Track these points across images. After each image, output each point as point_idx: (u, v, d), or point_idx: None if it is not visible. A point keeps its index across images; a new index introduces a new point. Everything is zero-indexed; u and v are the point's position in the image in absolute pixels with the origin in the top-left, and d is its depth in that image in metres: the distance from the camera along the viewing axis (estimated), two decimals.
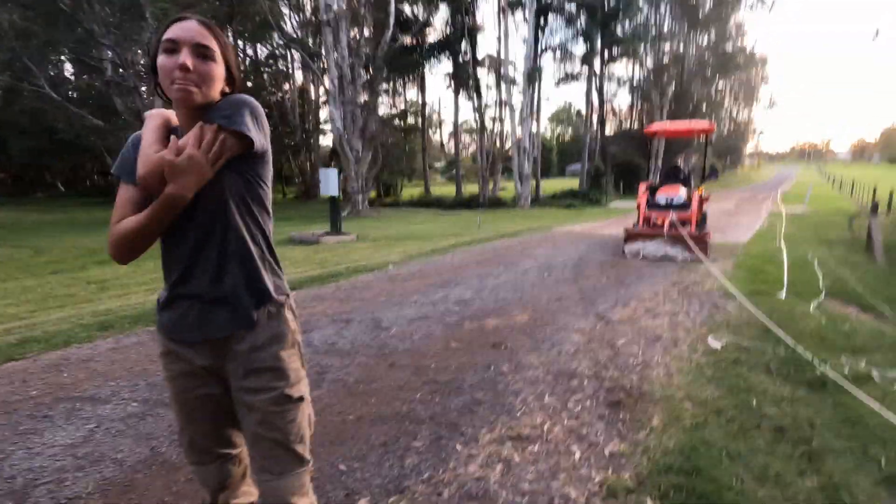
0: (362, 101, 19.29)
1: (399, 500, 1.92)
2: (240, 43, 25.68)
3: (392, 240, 10.97)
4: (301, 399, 1.25)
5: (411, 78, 29.76)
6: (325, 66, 18.63)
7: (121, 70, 17.60)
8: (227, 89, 1.20)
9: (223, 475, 1.32)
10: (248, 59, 28.41)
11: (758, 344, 3.72)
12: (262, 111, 1.17)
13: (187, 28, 1.10)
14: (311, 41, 25.62)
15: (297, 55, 25.65)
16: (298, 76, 30.17)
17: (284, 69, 28.39)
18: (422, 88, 30.02)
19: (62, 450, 2.28)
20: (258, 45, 27.57)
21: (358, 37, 18.61)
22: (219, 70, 1.14)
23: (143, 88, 18.69)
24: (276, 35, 23.38)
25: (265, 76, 28.75)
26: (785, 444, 2.39)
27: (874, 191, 17.03)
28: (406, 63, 25.53)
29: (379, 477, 2.06)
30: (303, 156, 30.03)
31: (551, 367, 3.23)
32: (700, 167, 13.07)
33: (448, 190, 32.44)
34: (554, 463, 2.17)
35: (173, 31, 1.10)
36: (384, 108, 29.75)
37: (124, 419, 2.55)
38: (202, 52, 1.11)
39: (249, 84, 28.48)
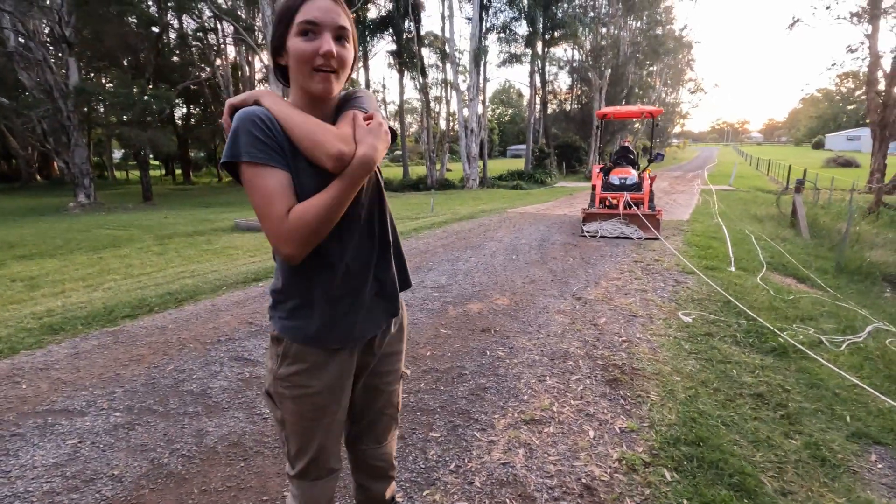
0: None
1: (433, 492, 1.92)
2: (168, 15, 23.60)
3: None
4: (406, 374, 1.43)
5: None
6: (265, 41, 17.56)
7: (24, 40, 15.73)
8: (351, 72, 1.10)
9: (332, 490, 1.27)
10: (173, 31, 26.26)
11: (722, 317, 4.01)
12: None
13: (326, 8, 0.99)
14: (243, 13, 24.05)
15: (229, 28, 23.97)
16: (231, 51, 28.32)
17: (215, 43, 26.50)
18: (365, 67, 29.14)
19: (46, 470, 2.07)
20: (184, 17, 25.48)
21: None
22: (352, 54, 1.06)
23: (53, 61, 16.85)
24: (204, 6, 21.69)
25: (193, 50, 26.74)
26: (766, 410, 2.62)
27: (789, 169, 18.62)
28: None
29: (406, 471, 2.04)
30: None
31: (544, 350, 3.32)
32: (648, 148, 13.66)
33: (393, 172, 32.01)
34: (572, 443, 2.25)
35: (311, 12, 0.98)
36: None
37: (110, 431, 2.35)
38: (341, 35, 1.01)
39: (175, 59, 26.42)
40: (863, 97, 21.60)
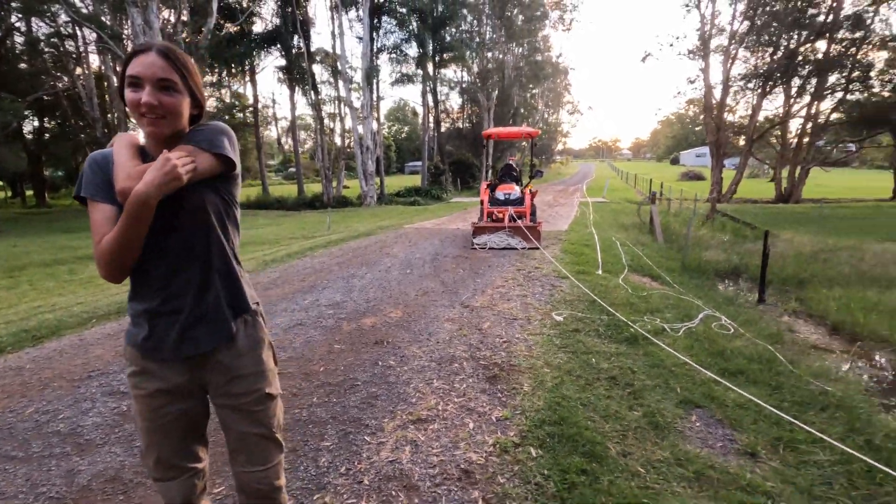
0: None
1: (323, 495, 2.03)
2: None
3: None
4: (278, 395, 1.39)
5: (240, 70, 27.53)
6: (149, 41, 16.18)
7: None
8: (193, 112, 1.23)
9: (189, 490, 1.33)
10: (20, 35, 23.12)
11: (588, 314, 4.57)
12: (235, 137, 1.26)
13: (149, 64, 1.12)
14: (107, 19, 21.93)
15: (91, 35, 21.70)
16: (95, 60, 25.60)
17: (74, 50, 23.79)
18: (252, 82, 27.99)
19: None
20: (34, 21, 22.57)
21: (174, 20, 16.57)
22: (184, 101, 1.18)
23: None
24: (60, 10, 19.46)
25: (46, 58, 23.73)
26: (617, 389, 3.09)
27: (650, 183, 21.22)
28: (233, 54, 23.55)
29: (297, 480, 2.13)
30: None
31: (433, 355, 3.56)
32: (528, 166, 14.77)
33: (288, 190, 30.92)
34: (453, 435, 2.49)
35: (135, 67, 1.11)
36: (212, 101, 27.03)
37: None
38: (166, 86, 1.13)
39: (23, 65, 23.27)
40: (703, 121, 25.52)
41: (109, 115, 26.68)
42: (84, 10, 20.90)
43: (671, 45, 29.86)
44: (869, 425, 2.76)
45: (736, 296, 6.46)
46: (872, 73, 20.15)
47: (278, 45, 24.94)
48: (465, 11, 27.63)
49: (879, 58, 20.33)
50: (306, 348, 3.71)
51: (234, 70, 27.29)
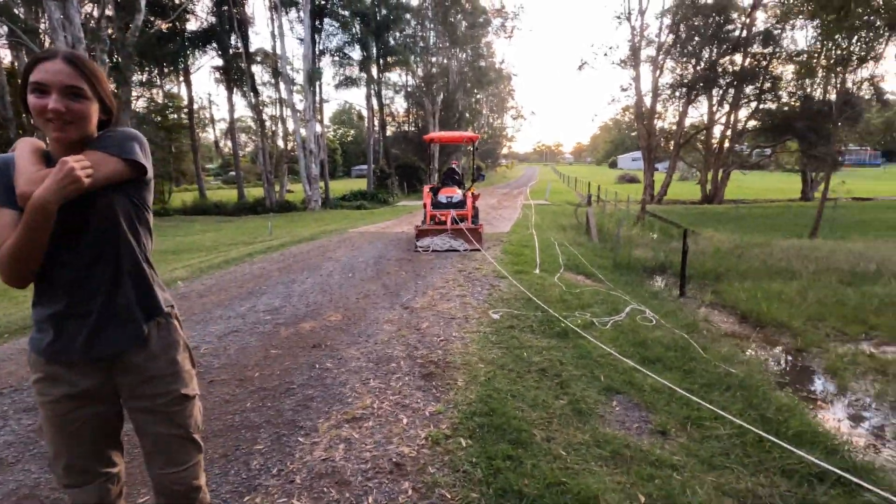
0: None
1: (254, 497, 2.05)
2: None
3: (171, 253, 9.80)
4: (196, 395, 1.40)
5: (173, 69, 26.23)
6: (53, 45, 15.05)
7: None
8: (103, 117, 1.24)
9: (103, 494, 1.32)
10: None
11: (524, 311, 4.78)
12: (146, 142, 1.28)
13: (55, 71, 1.12)
14: (21, 12, 20.28)
15: (2, 28, 19.96)
16: (5, 55, 23.53)
17: None
18: (187, 82, 26.75)
19: None
20: None
21: (98, 16, 15.58)
22: (93, 107, 1.19)
23: None
24: None
25: None
26: (546, 380, 3.27)
27: (588, 186, 22.16)
28: (165, 52, 22.42)
29: (227, 484, 2.13)
30: None
31: (371, 356, 3.61)
32: (470, 169, 15.07)
33: (228, 194, 29.74)
34: (387, 431, 2.56)
35: (40, 74, 1.11)
36: (142, 102, 25.57)
37: None
38: (74, 93, 1.14)
39: None
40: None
41: (24, 116, 24.62)
42: None
43: (605, 55, 31.50)
44: (764, 401, 3.09)
45: (660, 290, 6.94)
46: (781, 85, 22.12)
47: (214, 45, 24.02)
48: (408, 16, 27.79)
49: (787, 71, 22.38)
50: (241, 355, 3.65)
51: (166, 69, 25.97)
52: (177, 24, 22.52)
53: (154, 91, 27.36)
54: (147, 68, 24.56)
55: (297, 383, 3.15)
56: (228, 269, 7.27)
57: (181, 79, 27.50)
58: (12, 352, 3.85)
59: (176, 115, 27.68)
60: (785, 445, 2.38)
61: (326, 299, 5.27)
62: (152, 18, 21.29)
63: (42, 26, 19.79)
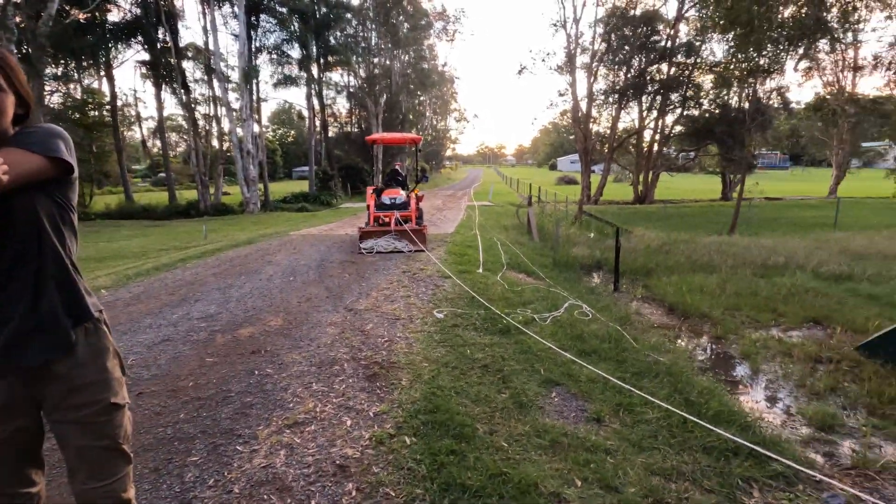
0: None
1: None
2: None
3: (94, 260, 9.10)
4: (126, 404, 1.34)
5: (93, 63, 24.35)
6: None
7: None
8: (19, 111, 1.18)
9: None
10: None
11: (468, 310, 4.86)
12: (71, 140, 1.21)
13: None
14: None
15: None
16: None
17: None
18: (109, 77, 24.93)
19: None
20: None
21: (3, 2, 14.21)
22: (9, 99, 1.13)
23: None
24: None
25: None
26: (489, 376, 3.35)
27: (530, 187, 22.80)
28: (83, 45, 20.78)
29: (159, 500, 2.03)
30: None
31: (313, 360, 3.55)
32: (414, 170, 15.09)
33: (157, 197, 28.00)
34: (330, 434, 2.53)
35: None
36: (57, 97, 23.54)
37: None
38: None
39: None
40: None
41: None
42: None
43: (543, 61, 32.40)
44: (688, 386, 3.33)
45: (597, 286, 7.28)
46: (702, 93, 23.82)
47: (140, 38, 22.57)
48: (349, 16, 27.43)
49: (707, 80, 24.12)
50: (174, 364, 3.48)
51: (84, 63, 24.07)
52: (96, 14, 20.95)
53: (72, 86, 25.29)
54: (63, 61, 22.66)
55: (235, 391, 3.04)
56: (159, 275, 6.86)
57: (102, 73, 25.55)
58: None
59: (97, 112, 25.64)
60: (705, 425, 2.58)
61: (266, 304, 5.11)
62: (68, 7, 19.70)
63: None
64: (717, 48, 24.84)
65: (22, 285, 1.17)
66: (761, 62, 12.90)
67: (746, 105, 17.72)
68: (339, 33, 26.83)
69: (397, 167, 10.98)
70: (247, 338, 4.06)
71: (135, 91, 45.19)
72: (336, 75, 32.06)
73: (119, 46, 23.65)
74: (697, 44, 23.42)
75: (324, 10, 24.91)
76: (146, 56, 23.34)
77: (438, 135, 61.05)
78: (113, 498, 1.33)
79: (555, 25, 24.69)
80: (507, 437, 2.58)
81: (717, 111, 23.24)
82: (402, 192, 9.38)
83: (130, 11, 22.68)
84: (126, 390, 1.38)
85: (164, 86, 24.08)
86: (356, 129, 36.07)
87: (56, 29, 16.39)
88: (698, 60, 23.68)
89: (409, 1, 31.88)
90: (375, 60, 32.23)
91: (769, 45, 12.21)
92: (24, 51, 15.60)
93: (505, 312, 4.70)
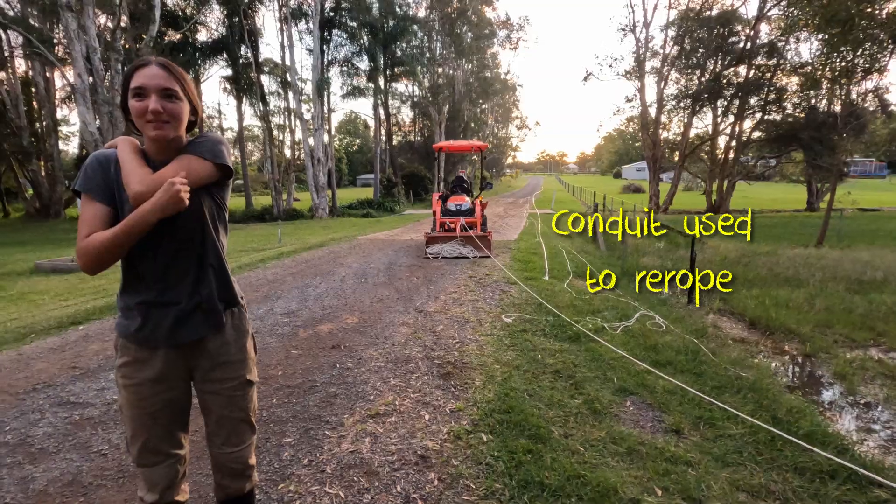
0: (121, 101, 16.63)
1: (288, 484, 2.14)
2: None
3: None
4: (255, 382, 1.52)
5: None
6: (69, 57, 15.38)
7: None
8: (191, 118, 1.37)
9: (172, 474, 1.42)
10: None
11: (536, 316, 4.86)
12: (229, 146, 1.42)
13: (152, 75, 1.25)
14: (35, 21, 20.75)
15: (16, 38, 20.42)
16: (20, 63, 24.03)
17: None
18: (198, 91, 27.07)
19: None
20: None
21: (113, 26, 15.90)
22: (185, 107, 1.32)
23: None
24: None
25: None
26: (560, 381, 3.36)
27: (594, 195, 22.27)
28: (177, 62, 22.73)
29: (261, 473, 2.22)
30: (34, 164, 23.96)
31: (389, 357, 3.71)
32: (478, 178, 15.21)
33: (235, 202, 30.01)
34: (410, 426, 2.65)
35: (139, 79, 1.24)
36: None
37: None
38: (168, 94, 1.27)
39: None
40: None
41: (37, 124, 25.03)
42: (10, 13, 19.68)
43: (610, 66, 31.74)
44: (775, 403, 3.16)
45: (668, 297, 7.00)
46: (785, 96, 22.24)
47: (224, 55, 24.38)
48: (415, 27, 28.13)
49: (792, 82, 22.50)
50: (263, 354, 3.76)
51: None
52: (188, 34, 22.92)
53: None
54: None
55: (320, 381, 3.25)
56: (242, 274, 7.39)
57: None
58: (41, 351, 3.97)
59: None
60: (798, 442, 2.46)
61: (341, 303, 5.37)
62: (165, 29, 21.69)
63: (57, 36, 20.23)
64: (803, 48, 23.13)
65: (184, 272, 1.35)
66: (858, 62, 11.88)
67: (838, 108, 16.35)
68: (405, 45, 27.61)
69: (462, 174, 11.14)
70: (326, 333, 4.30)
71: (218, 104, 48.83)
72: (401, 85, 32.97)
73: (207, 63, 25.66)
74: (780, 44, 21.95)
75: (392, 23, 25.76)
76: (229, 71, 25.18)
77: (499, 143, 61.01)
78: (241, 463, 1.52)
79: (623, 30, 24.09)
80: (582, 441, 2.58)
81: (802, 115, 21.60)
82: (468, 199, 9.51)
83: (217, 31, 24.60)
84: (256, 370, 1.56)
85: (244, 99, 25.84)
86: (419, 138, 36.86)
87: (155, 49, 18.07)
88: (781, 62, 22.17)
89: (474, 11, 32.26)
90: (439, 70, 32.84)
91: (868, 44, 11.22)
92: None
93: (574, 320, 4.66)
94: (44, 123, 24.77)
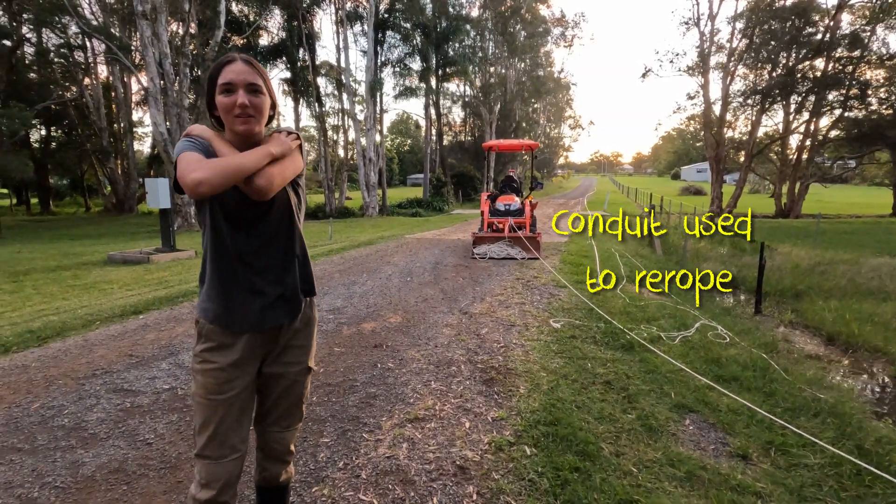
0: (188, 103, 17.60)
1: (322, 487, 2.08)
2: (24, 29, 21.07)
3: None
4: (313, 370, 1.56)
5: None
6: (144, 63, 16.43)
7: None
8: (271, 112, 1.39)
9: (234, 472, 1.39)
10: (30, 46, 23.48)
11: (586, 322, 4.63)
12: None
13: (239, 71, 1.28)
14: (115, 30, 22.34)
15: (100, 45, 22.07)
16: (102, 70, 25.99)
17: (83, 60, 24.17)
18: None
19: None
20: (46, 32, 22.97)
21: (182, 33, 16.86)
22: (268, 101, 1.35)
23: None
24: (70, 21, 19.83)
25: (55, 68, 24.09)
26: (612, 393, 3.14)
27: (650, 197, 21.34)
28: None
29: (296, 473, 2.18)
30: (112, 163, 25.85)
31: (431, 359, 3.61)
32: (528, 178, 14.91)
33: None
34: (450, 434, 2.54)
35: (228, 75, 1.28)
36: None
37: None
38: (254, 89, 1.30)
39: (34, 76, 23.61)
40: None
41: (116, 125, 26.97)
42: (94, 22, 21.30)
43: (671, 62, 30.29)
44: (860, 431, 2.80)
45: (732, 307, 6.51)
46: (870, 91, 20.37)
47: (284, 58, 25.29)
48: (468, 27, 28.05)
49: (877, 76, 20.59)
50: None
51: None
52: (250, 39, 23.95)
53: None
54: None
55: (360, 381, 3.20)
56: None
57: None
58: (104, 338, 4.17)
59: None
60: (891, 479, 2.14)
61: (386, 301, 5.35)
62: (229, 34, 22.79)
63: (134, 44, 21.70)
64: (891, 38, 21.08)
65: (272, 261, 1.38)
66: None
67: None
68: (457, 45, 27.60)
69: (512, 174, 10.92)
70: (369, 332, 4.27)
71: (277, 106, 50.91)
72: (452, 85, 32.99)
73: (267, 67, 26.72)
74: (865, 34, 20.12)
75: (444, 23, 25.81)
76: (287, 74, 26.11)
77: (551, 142, 59.87)
78: (284, 445, 1.55)
79: (686, 23, 22.95)
80: (635, 461, 2.37)
81: (889, 112, 19.71)
82: (517, 199, 9.30)
83: (277, 35, 25.56)
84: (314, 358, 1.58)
85: (301, 100, 26.71)
86: (469, 138, 36.76)
87: (220, 53, 18.98)
88: (865, 53, 20.31)
89: (528, 9, 31.77)
90: (491, 69, 32.60)
91: None
92: (195, 73, 18.31)
93: (627, 328, 4.39)
94: (121, 125, 26.67)
